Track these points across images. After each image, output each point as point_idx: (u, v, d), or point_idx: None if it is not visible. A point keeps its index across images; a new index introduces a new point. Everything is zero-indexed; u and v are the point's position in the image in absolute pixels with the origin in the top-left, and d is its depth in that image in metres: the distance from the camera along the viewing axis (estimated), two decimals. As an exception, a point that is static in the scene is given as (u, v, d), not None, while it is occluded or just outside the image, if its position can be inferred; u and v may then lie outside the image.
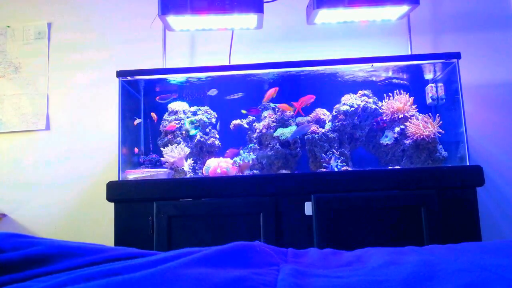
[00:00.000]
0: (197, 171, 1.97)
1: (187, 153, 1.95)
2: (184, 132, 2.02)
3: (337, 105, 1.97)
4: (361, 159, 1.97)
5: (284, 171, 1.87)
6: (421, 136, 1.83)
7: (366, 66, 1.88)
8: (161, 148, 1.99)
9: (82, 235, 2.20)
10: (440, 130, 1.84)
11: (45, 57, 2.35)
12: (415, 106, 1.93)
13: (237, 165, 1.90)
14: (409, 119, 1.90)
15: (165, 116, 2.06)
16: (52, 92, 2.33)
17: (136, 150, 2.03)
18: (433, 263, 0.62)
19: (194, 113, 2.07)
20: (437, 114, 1.86)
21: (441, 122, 1.84)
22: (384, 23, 1.97)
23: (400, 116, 1.91)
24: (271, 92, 1.93)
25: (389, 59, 1.90)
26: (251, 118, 2.06)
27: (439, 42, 2.22)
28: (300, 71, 1.91)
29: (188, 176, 1.92)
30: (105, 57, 2.33)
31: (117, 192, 1.68)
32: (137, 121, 2.01)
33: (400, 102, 1.93)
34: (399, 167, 1.85)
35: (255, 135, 2.00)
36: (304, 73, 1.94)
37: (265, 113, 2.03)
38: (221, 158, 1.93)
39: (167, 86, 2.08)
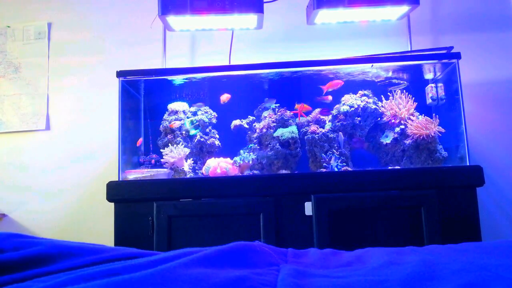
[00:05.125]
0: (197, 171, 1.96)
1: (187, 153, 1.95)
2: (184, 132, 2.02)
3: (337, 105, 1.97)
4: (361, 159, 1.97)
5: (284, 171, 1.87)
6: (421, 136, 1.83)
7: (366, 66, 1.88)
8: (161, 150, 1.99)
9: (82, 235, 2.20)
10: (441, 129, 1.84)
11: (45, 57, 2.35)
12: (414, 108, 1.93)
13: (237, 165, 1.89)
14: (410, 117, 1.90)
15: (165, 116, 2.06)
16: (52, 92, 2.33)
17: (139, 141, 2.01)
18: (433, 263, 0.62)
19: (194, 113, 2.07)
20: (435, 115, 1.86)
21: (438, 121, 1.84)
22: (384, 23, 1.97)
23: (401, 116, 1.91)
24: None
25: (389, 59, 1.90)
26: (251, 118, 2.06)
27: (439, 42, 2.22)
28: (300, 71, 1.91)
29: (188, 176, 1.92)
30: (105, 57, 2.33)
31: (117, 192, 1.68)
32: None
33: (400, 104, 1.93)
34: (399, 167, 1.85)
35: (255, 135, 2.00)
36: (304, 73, 1.94)
37: (265, 113, 2.03)
38: (221, 158, 1.93)
39: (167, 86, 2.08)
